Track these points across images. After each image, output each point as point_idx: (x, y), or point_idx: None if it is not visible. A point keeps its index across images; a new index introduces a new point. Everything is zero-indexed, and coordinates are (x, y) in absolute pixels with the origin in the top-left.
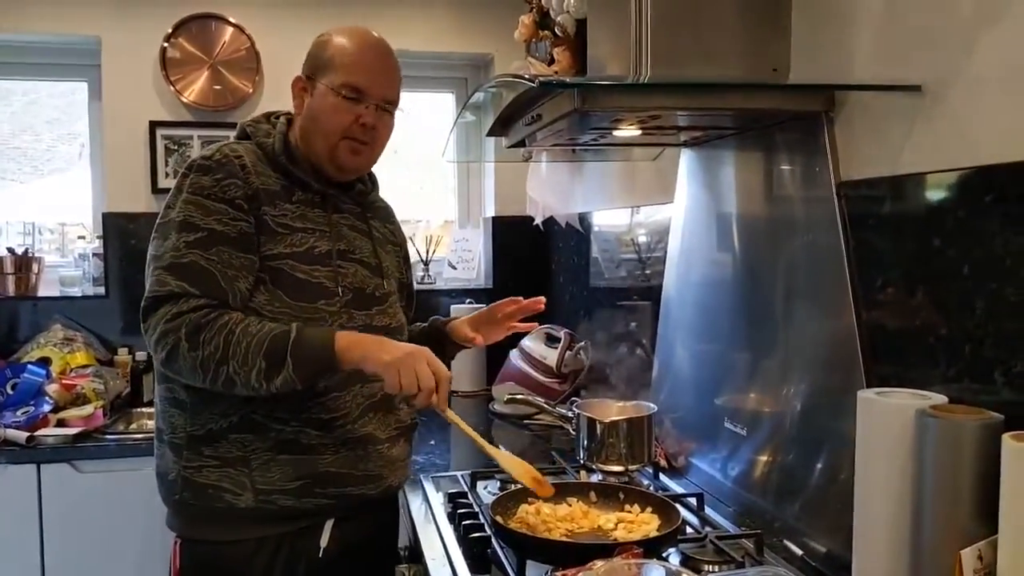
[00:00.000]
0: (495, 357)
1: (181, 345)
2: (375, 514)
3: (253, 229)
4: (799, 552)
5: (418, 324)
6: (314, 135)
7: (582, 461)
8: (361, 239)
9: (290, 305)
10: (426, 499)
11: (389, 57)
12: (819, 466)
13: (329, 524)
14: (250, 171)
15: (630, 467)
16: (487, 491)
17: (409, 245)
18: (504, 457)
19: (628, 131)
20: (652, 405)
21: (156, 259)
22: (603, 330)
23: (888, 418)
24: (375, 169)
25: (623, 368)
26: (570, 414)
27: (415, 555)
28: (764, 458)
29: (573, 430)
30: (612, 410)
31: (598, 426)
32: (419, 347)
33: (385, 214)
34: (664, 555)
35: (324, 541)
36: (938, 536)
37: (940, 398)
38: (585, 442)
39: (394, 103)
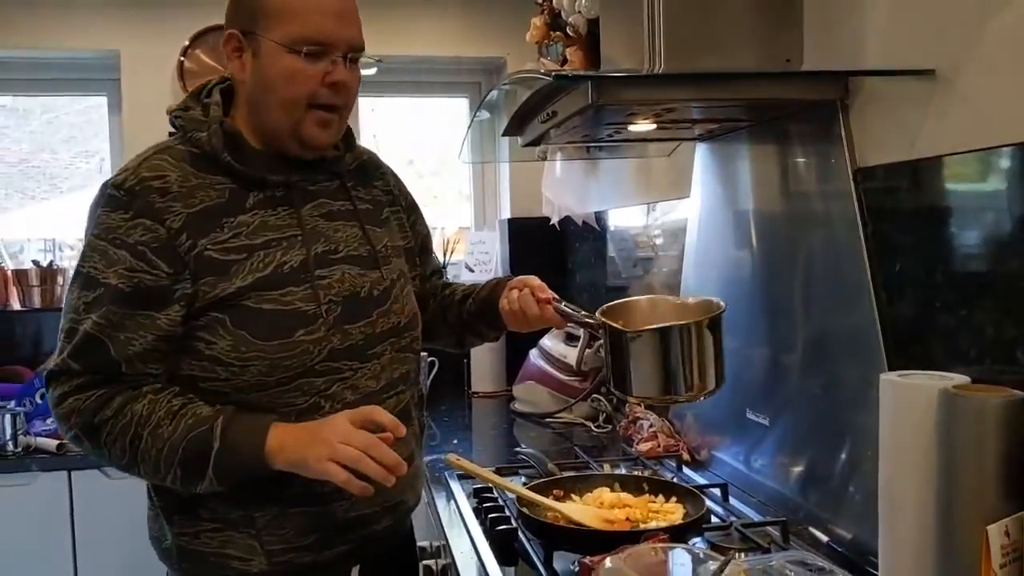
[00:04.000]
0: (515, 357)
1: (84, 443)
2: (398, 541)
3: (167, 279)
4: (824, 538)
5: (460, 287)
6: (269, 109)
7: (610, 389)
8: (345, 227)
9: (261, 348)
10: (452, 496)
11: None
12: (843, 454)
13: (356, 571)
14: (176, 195)
15: (682, 396)
16: (512, 483)
17: None
18: (572, 508)
19: (643, 125)
20: (718, 301)
21: (63, 315)
22: None
23: (911, 399)
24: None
25: None
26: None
27: (443, 551)
28: (788, 447)
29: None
30: (653, 309)
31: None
32: (323, 424)
33: (368, 172)
34: (690, 543)
35: None
36: (964, 514)
37: (962, 378)
38: (610, 365)
39: (361, 49)
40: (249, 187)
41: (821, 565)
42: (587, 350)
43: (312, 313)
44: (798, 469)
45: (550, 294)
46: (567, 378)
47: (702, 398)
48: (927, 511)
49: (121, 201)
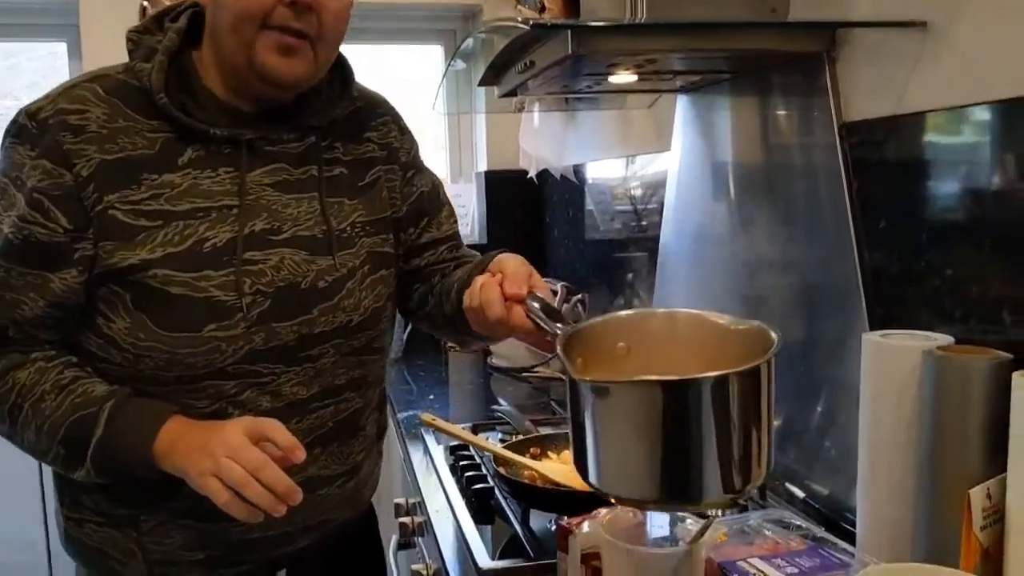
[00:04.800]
0: None
1: None
2: (354, 528)
3: (64, 236)
4: (801, 495)
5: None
6: (223, 34)
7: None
8: (300, 201)
9: (161, 338)
10: (427, 452)
11: None
12: (819, 410)
13: (282, 575)
14: (93, 136)
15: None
16: (488, 442)
17: None
18: (549, 467)
19: (624, 77)
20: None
21: None
22: (600, 283)
23: (894, 360)
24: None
25: None
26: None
27: (419, 508)
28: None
29: None
30: (657, 336)
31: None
32: (214, 432)
33: (363, 122)
34: None
35: None
36: (947, 477)
37: (946, 339)
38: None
39: None
40: (189, 139)
41: (799, 523)
42: (565, 304)
43: (231, 305)
44: (774, 424)
45: (526, 287)
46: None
47: (731, 502)
48: (908, 473)
49: (30, 133)
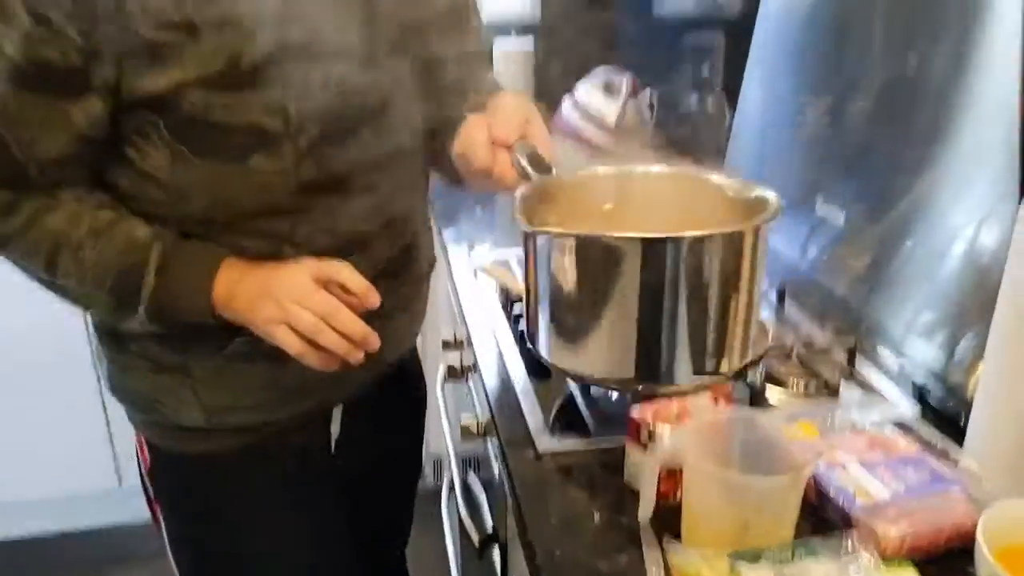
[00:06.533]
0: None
1: None
2: (394, 378)
3: (78, 57)
4: (897, 365)
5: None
6: None
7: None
8: (343, 2)
9: (202, 171)
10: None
11: None
12: (935, 265)
13: (338, 411)
14: None
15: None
16: None
17: None
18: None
19: None
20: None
21: None
22: (670, 72)
23: None
24: None
25: (693, 121)
26: None
27: (468, 350)
28: (862, 247)
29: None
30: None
31: None
32: (277, 276)
33: None
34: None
35: (335, 428)
36: None
37: None
38: None
39: None
40: None
41: (894, 407)
42: (631, 99)
43: (274, 132)
44: (869, 272)
45: (516, 133)
46: (604, 139)
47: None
48: None
49: None
